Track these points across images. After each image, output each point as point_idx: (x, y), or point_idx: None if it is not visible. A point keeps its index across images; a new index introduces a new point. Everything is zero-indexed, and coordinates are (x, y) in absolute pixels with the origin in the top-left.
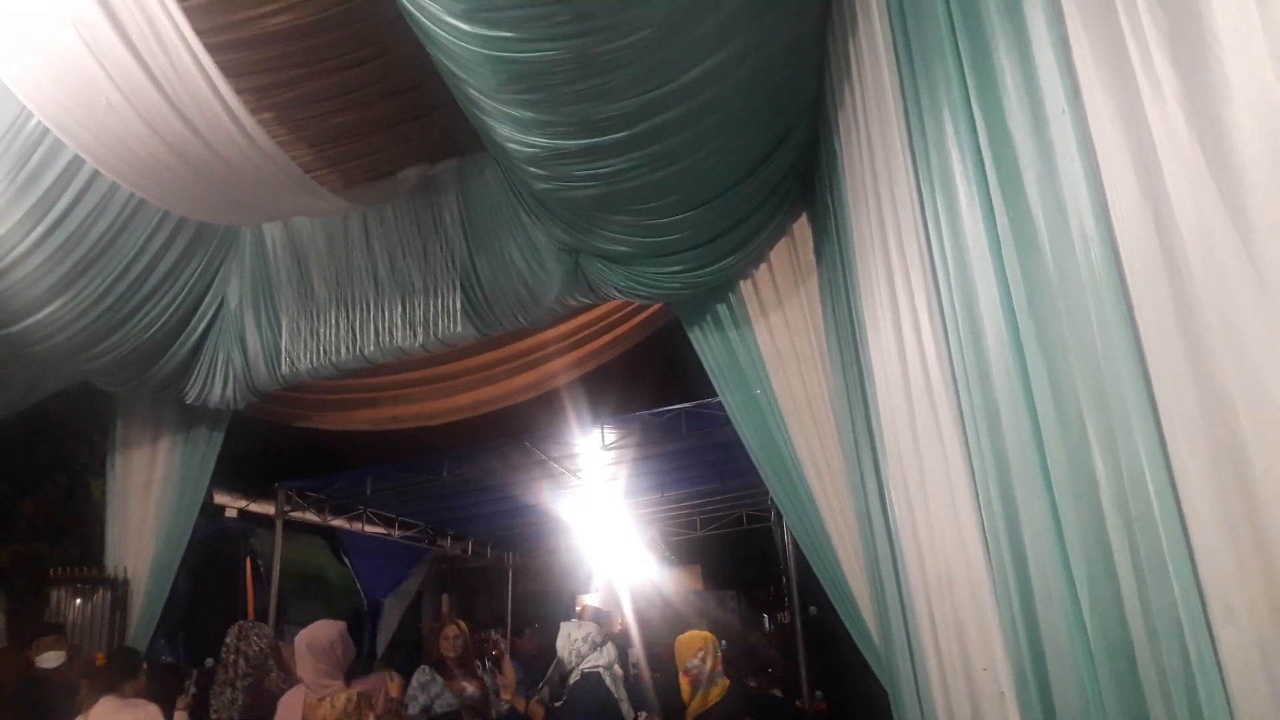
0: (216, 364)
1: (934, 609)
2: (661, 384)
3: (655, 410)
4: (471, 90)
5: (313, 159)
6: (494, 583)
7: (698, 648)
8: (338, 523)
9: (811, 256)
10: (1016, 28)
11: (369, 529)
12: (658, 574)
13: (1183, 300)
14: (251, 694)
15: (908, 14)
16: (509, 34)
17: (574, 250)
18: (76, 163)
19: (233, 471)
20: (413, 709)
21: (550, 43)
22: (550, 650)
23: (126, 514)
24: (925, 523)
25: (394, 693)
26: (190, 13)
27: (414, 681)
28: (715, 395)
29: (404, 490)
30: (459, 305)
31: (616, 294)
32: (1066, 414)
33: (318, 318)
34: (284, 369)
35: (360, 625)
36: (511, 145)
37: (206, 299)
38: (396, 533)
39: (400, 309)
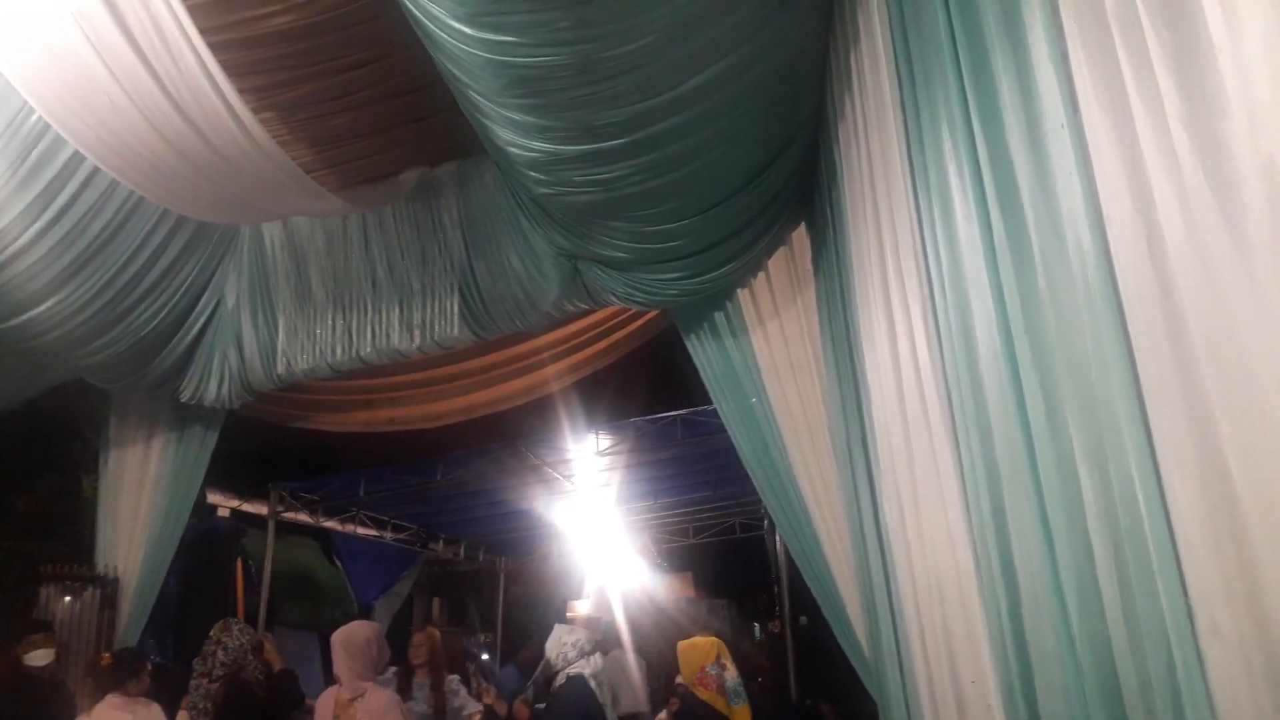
0: (212, 363)
1: (924, 621)
2: (656, 390)
3: (650, 417)
4: (473, 94)
5: (313, 159)
6: (486, 587)
7: (713, 654)
8: (330, 524)
9: (809, 267)
10: (1016, 44)
11: (361, 531)
12: (649, 581)
13: (1174, 317)
14: (225, 684)
15: (909, 28)
16: (512, 39)
17: (572, 255)
18: (77, 159)
19: (226, 471)
20: None
21: (553, 48)
22: None
23: (118, 512)
24: (917, 535)
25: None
26: (193, 11)
27: None
28: (710, 403)
29: (397, 493)
30: (456, 308)
31: (614, 300)
32: (1058, 428)
33: (315, 318)
34: (280, 369)
35: None
36: (512, 149)
37: (204, 297)
38: (389, 535)
39: (398, 311)
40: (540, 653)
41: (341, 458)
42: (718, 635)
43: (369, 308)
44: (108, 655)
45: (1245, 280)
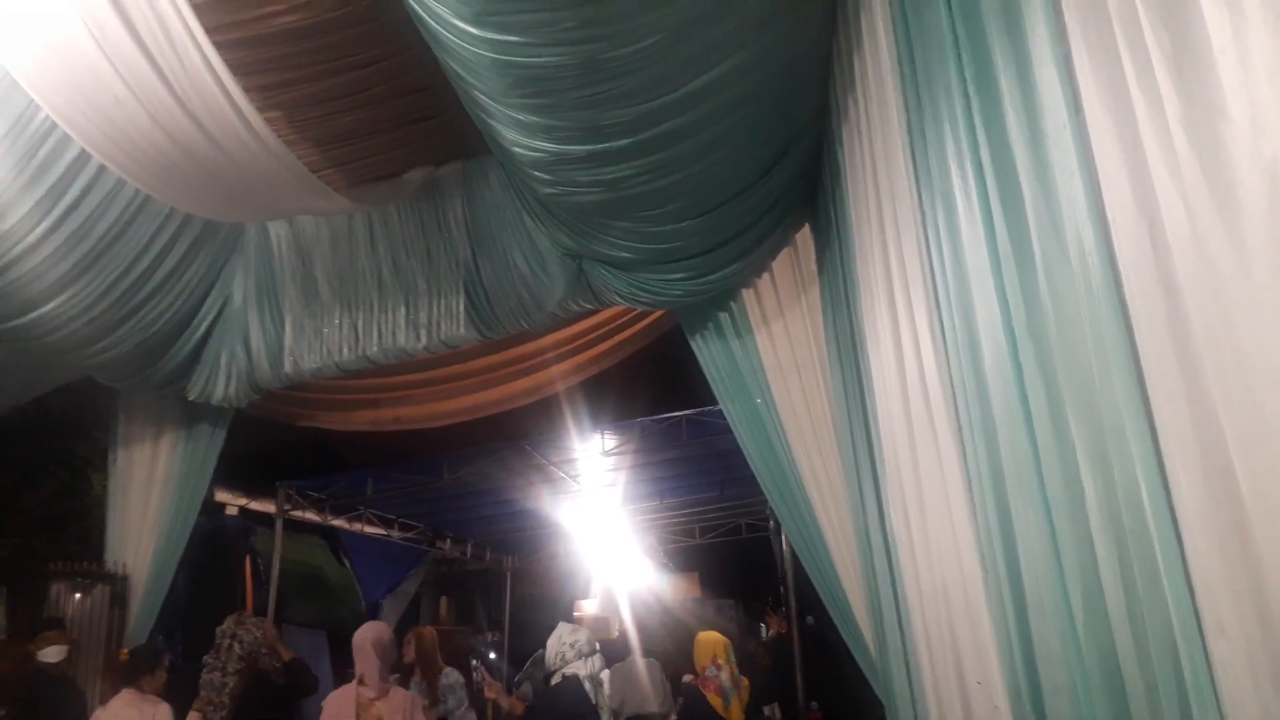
0: (220, 361)
1: (929, 621)
2: (662, 391)
3: (655, 417)
4: (478, 94)
5: (318, 158)
6: (492, 586)
7: (711, 654)
8: (338, 523)
9: (813, 267)
10: (1018, 44)
11: (369, 530)
12: (656, 580)
13: (1177, 317)
14: (243, 676)
15: (912, 29)
16: (516, 38)
17: (577, 255)
18: (83, 157)
19: (234, 469)
20: None
21: (557, 48)
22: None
23: (127, 510)
24: (922, 535)
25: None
26: (199, 10)
27: None
28: (716, 403)
29: (404, 491)
30: (462, 308)
31: (619, 300)
32: (1062, 428)
33: (321, 317)
34: (287, 368)
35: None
36: (517, 149)
37: (211, 296)
38: (396, 534)
39: (404, 310)
40: None
41: (348, 456)
42: (725, 635)
43: (375, 307)
44: (125, 651)
45: (1243, 279)
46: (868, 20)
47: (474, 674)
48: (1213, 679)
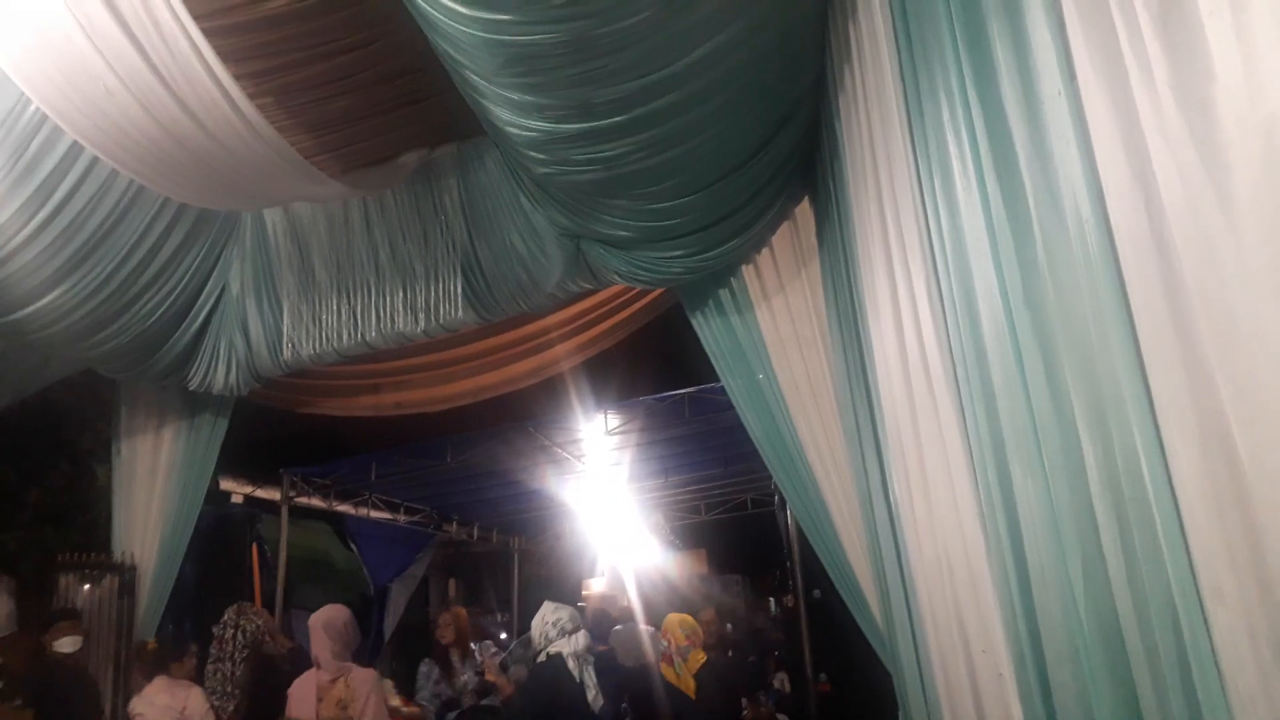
0: (219, 350)
1: (934, 591)
2: (664, 369)
3: (658, 395)
4: (470, 74)
5: (312, 144)
6: (500, 567)
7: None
8: (343, 508)
9: (813, 240)
10: (1012, 10)
11: (374, 514)
12: (663, 558)
13: (1172, 283)
14: (250, 664)
15: None
16: (507, 17)
17: (575, 235)
18: (75, 149)
19: (238, 457)
20: (421, 696)
21: (548, 25)
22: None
23: (132, 500)
24: (925, 506)
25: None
26: None
27: (420, 672)
28: (718, 380)
29: (409, 475)
30: (460, 290)
31: (618, 279)
32: (1062, 397)
33: (319, 303)
34: (286, 355)
35: (367, 610)
36: (511, 129)
37: (208, 285)
38: (402, 518)
39: (402, 294)
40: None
41: (352, 442)
42: (729, 612)
43: (373, 291)
44: (153, 641)
45: (1235, 243)
46: None
47: (476, 655)
48: (1212, 644)
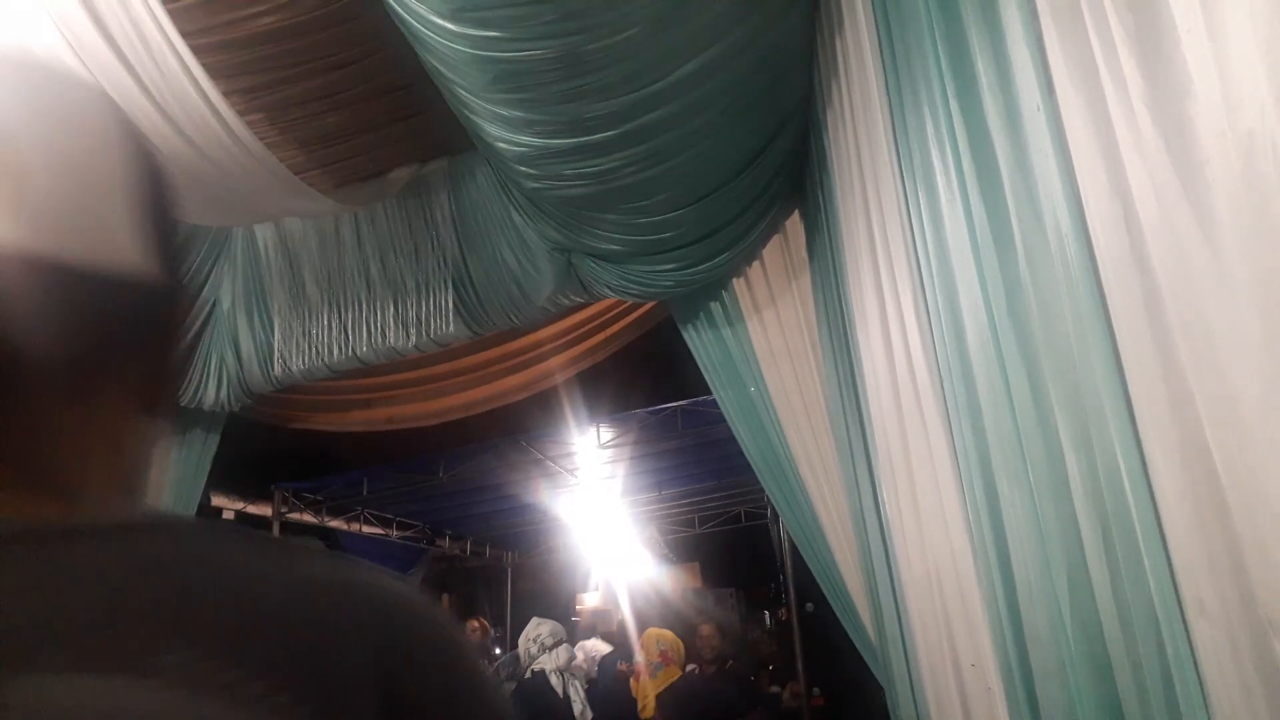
0: (210, 366)
1: (924, 605)
2: (657, 382)
3: (651, 408)
4: (460, 90)
5: (302, 160)
6: (493, 582)
7: (643, 644)
8: (335, 524)
9: (804, 254)
10: (992, 24)
11: (367, 530)
12: (656, 572)
13: (1151, 297)
14: None
15: (891, 13)
16: (496, 33)
17: (566, 249)
18: None
19: (229, 473)
20: None
21: (537, 41)
22: None
23: None
24: (914, 519)
25: None
26: (177, 14)
27: None
28: (710, 393)
29: (401, 491)
30: (451, 305)
31: (609, 293)
32: (1044, 411)
33: (310, 318)
34: (277, 370)
35: None
36: (501, 144)
37: (198, 301)
38: (394, 533)
39: (393, 309)
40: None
41: (344, 457)
42: (723, 626)
43: (364, 306)
44: None
45: (1211, 258)
46: (847, 4)
47: None
48: (1194, 657)
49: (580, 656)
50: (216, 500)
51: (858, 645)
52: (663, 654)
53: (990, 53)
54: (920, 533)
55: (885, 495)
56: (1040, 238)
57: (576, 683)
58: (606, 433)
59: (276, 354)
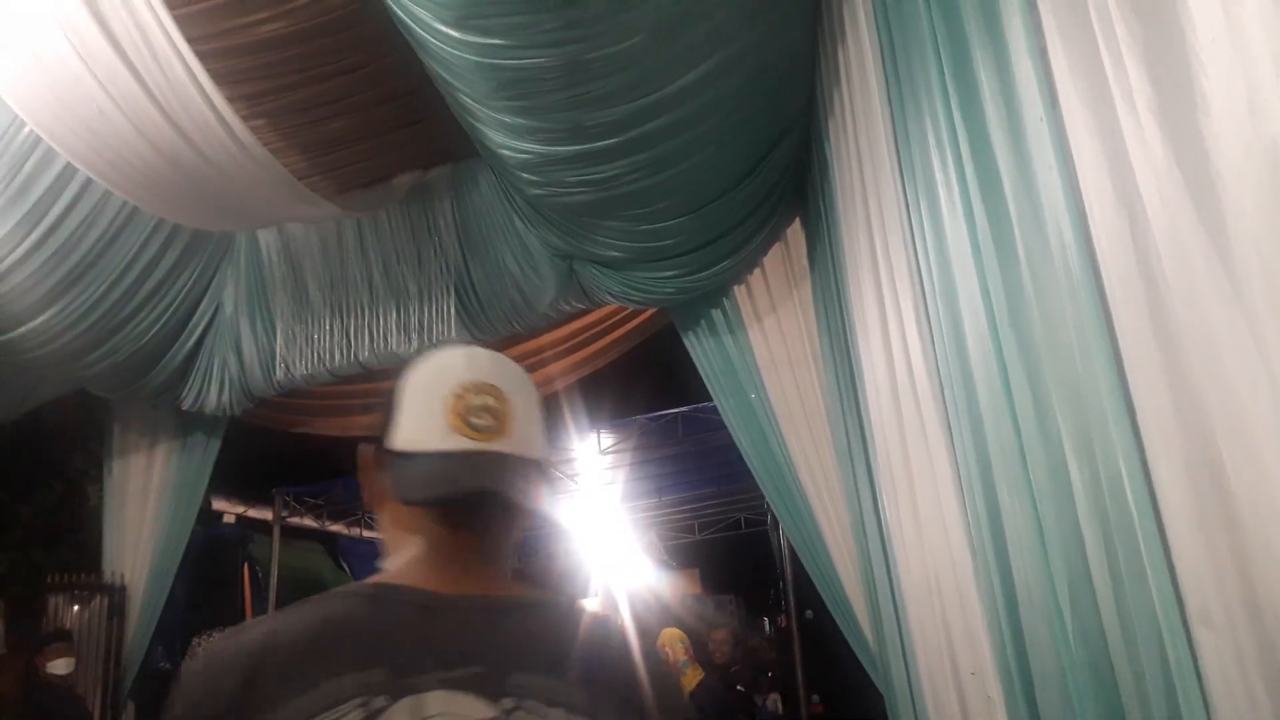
0: (212, 370)
1: (924, 613)
2: (657, 388)
3: (651, 414)
4: (463, 97)
5: (306, 166)
6: None
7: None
8: (336, 528)
9: (805, 262)
10: (995, 37)
11: (368, 534)
12: (656, 579)
13: (1157, 308)
14: None
15: (893, 23)
16: (499, 41)
17: (568, 255)
18: (69, 171)
19: (230, 477)
20: None
21: (541, 49)
22: None
23: (124, 520)
24: (914, 527)
25: None
26: (181, 21)
27: None
28: (711, 399)
29: None
30: (453, 310)
31: (610, 299)
32: (1047, 421)
33: (313, 323)
34: (279, 375)
35: None
36: (504, 151)
37: (201, 305)
38: None
39: (395, 314)
40: None
41: (345, 461)
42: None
43: (366, 312)
44: None
45: (1219, 267)
46: (849, 14)
47: None
48: (1197, 667)
49: None
50: (218, 504)
51: (857, 652)
52: (686, 652)
53: (993, 63)
54: (920, 541)
55: (885, 503)
56: (1043, 248)
57: None
58: (607, 438)
59: (279, 358)
